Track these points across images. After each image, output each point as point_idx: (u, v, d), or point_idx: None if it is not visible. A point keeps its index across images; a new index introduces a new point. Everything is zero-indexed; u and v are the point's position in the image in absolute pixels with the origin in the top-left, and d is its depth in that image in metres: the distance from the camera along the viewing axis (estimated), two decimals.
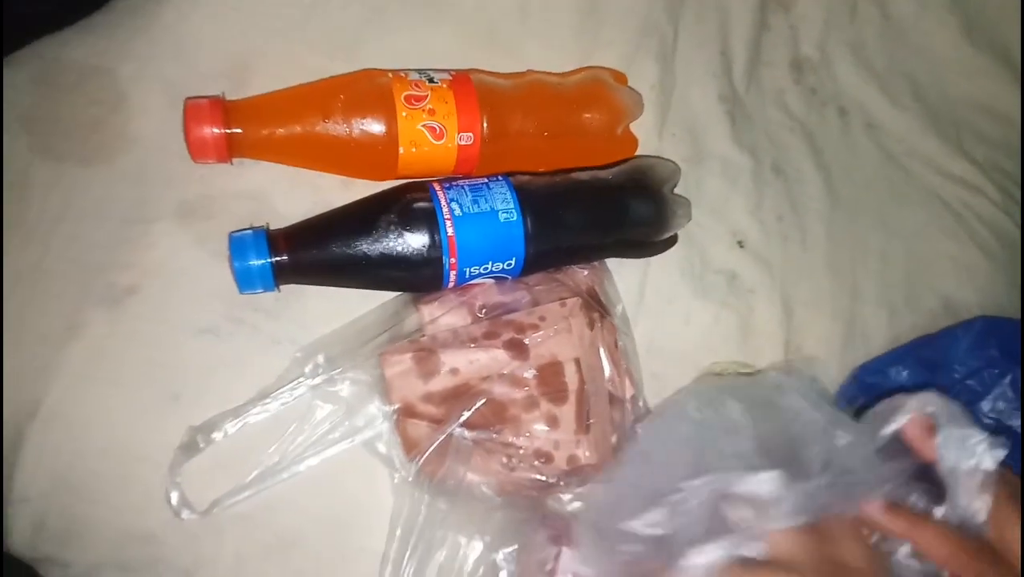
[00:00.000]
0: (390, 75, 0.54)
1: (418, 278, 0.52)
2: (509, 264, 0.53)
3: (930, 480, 0.47)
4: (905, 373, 0.62)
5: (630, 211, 0.56)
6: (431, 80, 0.54)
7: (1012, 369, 0.59)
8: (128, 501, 0.50)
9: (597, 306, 0.55)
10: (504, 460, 0.51)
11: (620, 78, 0.63)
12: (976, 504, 0.45)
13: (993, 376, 0.59)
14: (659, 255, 0.61)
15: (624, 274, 0.60)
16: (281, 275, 0.50)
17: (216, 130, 0.50)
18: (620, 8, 0.66)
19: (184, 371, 0.52)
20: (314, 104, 0.52)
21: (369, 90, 0.53)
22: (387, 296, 0.55)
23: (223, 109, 0.51)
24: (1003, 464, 0.46)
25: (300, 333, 0.53)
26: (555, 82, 0.59)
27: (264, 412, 0.52)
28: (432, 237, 0.50)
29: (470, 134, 0.54)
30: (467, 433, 0.50)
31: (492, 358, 0.51)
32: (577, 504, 0.53)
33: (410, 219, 0.50)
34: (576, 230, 0.54)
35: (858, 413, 0.59)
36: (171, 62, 0.56)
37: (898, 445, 0.48)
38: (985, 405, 0.59)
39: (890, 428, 0.48)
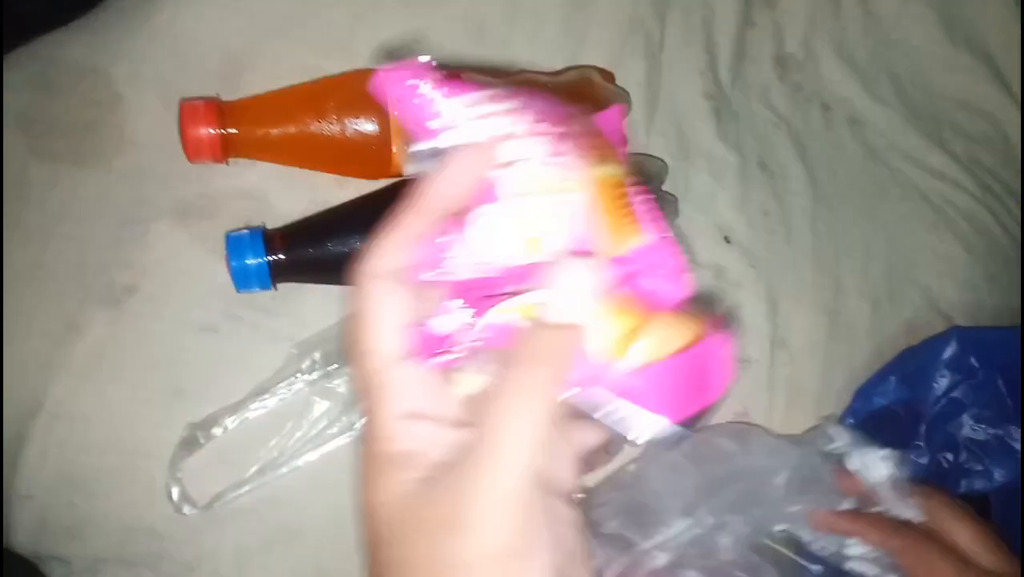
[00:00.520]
0: None
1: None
2: None
3: None
4: (889, 394, 0.63)
5: None
6: None
7: (991, 377, 0.60)
8: (130, 497, 0.51)
9: None
10: None
11: (608, 76, 0.64)
12: (907, 508, 0.51)
13: (975, 386, 0.60)
14: None
15: None
16: (278, 274, 0.50)
17: (212, 131, 0.51)
18: (607, 6, 0.67)
19: (184, 368, 0.52)
20: (308, 104, 0.53)
21: (362, 89, 0.53)
22: None
23: (218, 110, 0.52)
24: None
25: (298, 330, 0.54)
26: (544, 81, 0.60)
27: (262, 408, 0.53)
28: None
29: None
30: None
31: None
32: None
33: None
34: None
35: None
36: (166, 62, 0.57)
37: None
38: (970, 415, 0.60)
39: None
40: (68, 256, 0.52)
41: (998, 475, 0.59)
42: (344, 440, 0.53)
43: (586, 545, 0.31)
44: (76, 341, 0.51)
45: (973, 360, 0.61)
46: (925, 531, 0.51)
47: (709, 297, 0.59)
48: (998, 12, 0.81)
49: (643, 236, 0.30)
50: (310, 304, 0.55)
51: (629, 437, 0.28)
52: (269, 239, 0.50)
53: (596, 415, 0.28)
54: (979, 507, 0.54)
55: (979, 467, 0.59)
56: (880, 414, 0.63)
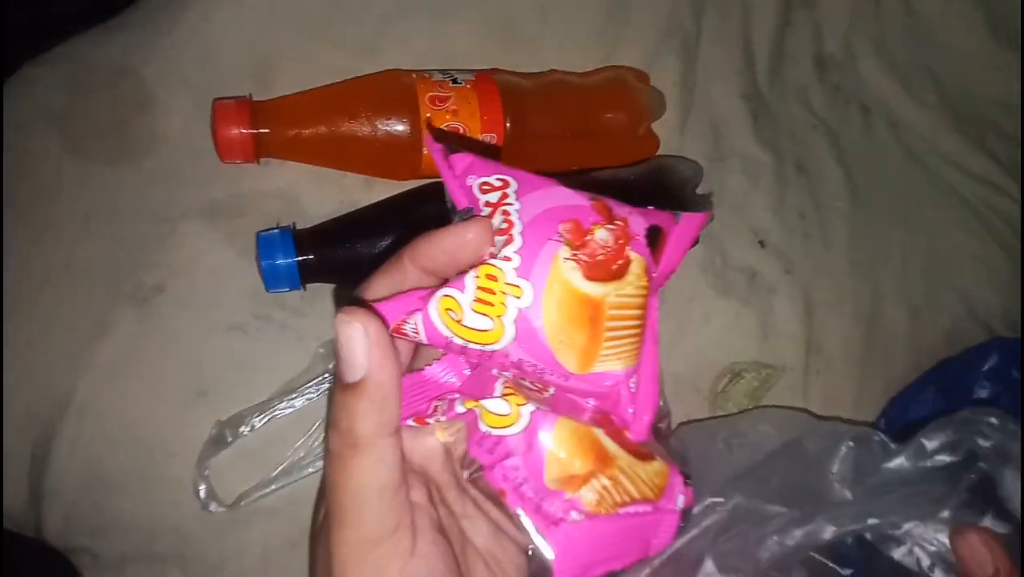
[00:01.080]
0: (414, 76, 0.54)
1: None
2: None
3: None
4: (927, 404, 0.62)
5: None
6: (455, 81, 0.54)
7: None
8: (155, 495, 0.51)
9: None
10: None
11: (642, 77, 0.63)
12: None
13: (1015, 398, 0.58)
14: None
15: None
16: (307, 274, 0.50)
17: (244, 130, 0.51)
18: (643, 6, 0.66)
19: (212, 367, 0.52)
20: (340, 105, 0.53)
21: (394, 91, 0.53)
22: None
23: (251, 110, 0.51)
24: None
25: (326, 330, 0.54)
26: (577, 82, 0.59)
27: (289, 407, 0.53)
28: None
29: (493, 135, 0.54)
30: None
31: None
32: None
33: (435, 220, 0.50)
34: None
35: None
36: (195, 62, 0.57)
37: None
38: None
39: None
40: (98, 255, 0.53)
41: None
42: None
43: (515, 555, 0.32)
44: (104, 340, 0.51)
45: (1014, 371, 0.59)
46: None
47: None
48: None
49: (613, 363, 0.30)
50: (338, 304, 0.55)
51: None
52: (299, 239, 0.50)
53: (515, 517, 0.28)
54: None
55: None
56: (916, 425, 0.62)
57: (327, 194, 0.56)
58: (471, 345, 0.28)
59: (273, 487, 0.52)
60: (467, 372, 0.32)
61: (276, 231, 0.51)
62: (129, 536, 0.51)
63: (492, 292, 0.28)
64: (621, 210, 0.31)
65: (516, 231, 0.29)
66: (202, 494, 0.50)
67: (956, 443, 0.49)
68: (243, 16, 0.58)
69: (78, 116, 0.55)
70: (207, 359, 0.52)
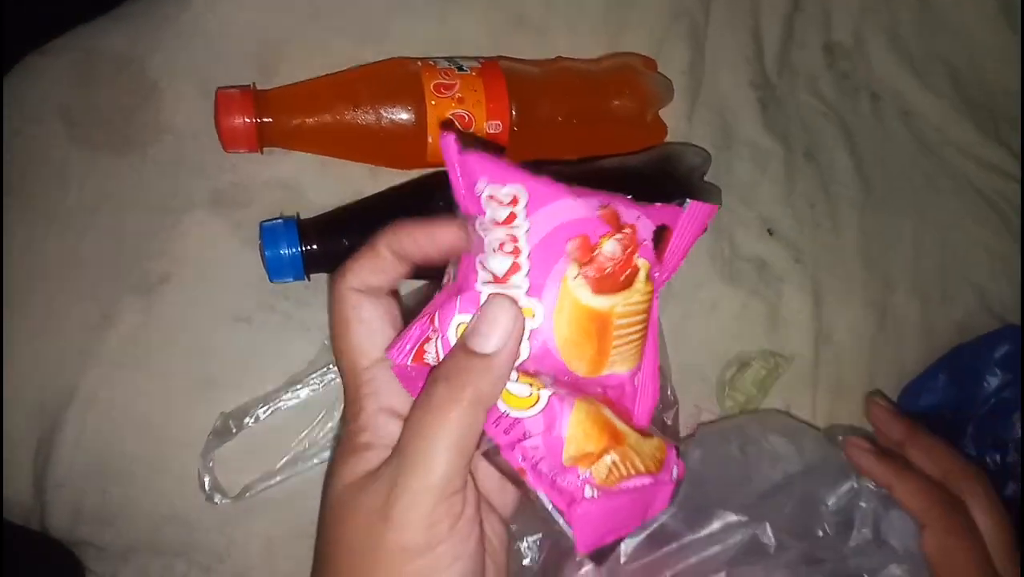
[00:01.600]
0: (419, 63, 0.54)
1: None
2: None
3: None
4: (937, 392, 0.61)
5: (659, 199, 0.56)
6: (460, 68, 0.54)
7: None
8: (161, 486, 0.51)
9: None
10: None
11: (650, 64, 0.62)
12: None
13: None
14: None
15: None
16: (312, 264, 0.50)
17: (247, 120, 0.51)
18: None
19: (217, 358, 0.52)
20: (344, 93, 0.52)
21: (398, 79, 0.53)
22: (416, 284, 0.55)
23: (254, 99, 0.51)
24: None
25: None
26: (584, 69, 0.59)
27: (294, 398, 0.52)
28: None
29: (498, 122, 0.53)
30: None
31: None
32: None
33: (440, 209, 0.50)
34: None
35: None
36: (202, 51, 0.56)
37: None
38: (1021, 416, 0.58)
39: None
40: (103, 245, 0.52)
41: None
42: None
43: (504, 559, 0.34)
44: (110, 330, 0.51)
45: None
46: (960, 516, 0.48)
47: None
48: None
49: (618, 366, 0.32)
50: None
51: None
52: (303, 229, 0.50)
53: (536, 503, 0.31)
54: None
55: None
56: (927, 412, 0.61)
57: (331, 184, 0.56)
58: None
59: (278, 478, 0.51)
60: None
61: (280, 221, 0.50)
62: (135, 527, 0.51)
63: None
64: (629, 215, 0.32)
65: (523, 257, 0.30)
66: (206, 486, 0.50)
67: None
68: (248, 5, 0.58)
69: (83, 106, 0.55)
70: (212, 349, 0.52)
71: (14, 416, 0.50)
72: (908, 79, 0.74)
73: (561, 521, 0.30)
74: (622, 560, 0.47)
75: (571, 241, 0.30)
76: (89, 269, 0.52)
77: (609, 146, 0.57)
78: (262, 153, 0.54)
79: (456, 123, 0.53)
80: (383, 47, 0.57)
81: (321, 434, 0.52)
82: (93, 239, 0.53)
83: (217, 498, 0.50)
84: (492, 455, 0.31)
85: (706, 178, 0.59)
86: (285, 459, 0.52)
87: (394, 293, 0.35)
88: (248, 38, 0.57)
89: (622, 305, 0.31)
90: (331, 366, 0.53)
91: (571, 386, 0.31)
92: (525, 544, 0.51)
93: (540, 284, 0.30)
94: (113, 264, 0.52)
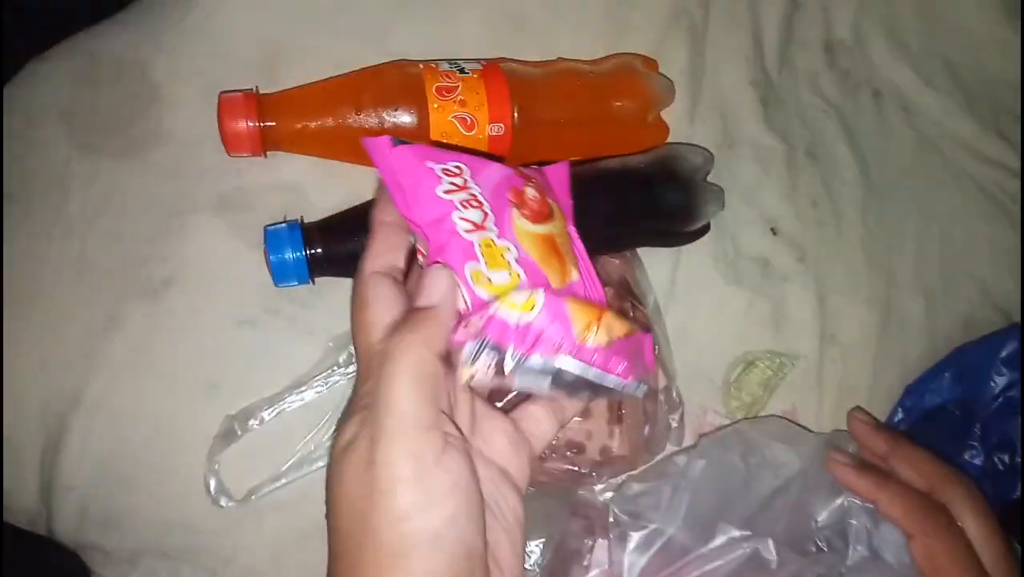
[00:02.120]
0: (421, 66, 0.54)
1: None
2: None
3: None
4: (942, 392, 0.61)
5: (661, 200, 0.56)
6: (462, 71, 0.54)
7: None
8: (168, 490, 0.51)
9: (629, 296, 0.55)
10: None
11: (651, 65, 0.62)
12: None
13: None
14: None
15: (656, 261, 0.60)
16: (316, 268, 0.50)
17: (250, 124, 0.51)
18: None
19: (221, 362, 0.52)
20: (346, 97, 0.52)
21: (400, 82, 0.53)
22: None
23: (257, 103, 0.51)
24: None
25: (335, 324, 0.53)
26: (585, 70, 0.59)
27: (299, 401, 0.53)
28: None
29: (501, 124, 0.54)
30: None
31: None
32: (609, 494, 0.54)
33: None
34: (607, 220, 0.54)
35: None
36: (204, 55, 0.57)
37: None
38: None
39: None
40: (108, 249, 0.53)
41: None
42: None
43: (520, 536, 0.36)
44: (115, 334, 0.51)
45: None
46: (945, 522, 0.48)
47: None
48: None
49: (573, 274, 0.40)
50: (346, 297, 0.53)
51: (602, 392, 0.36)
52: (307, 233, 0.50)
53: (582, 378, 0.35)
54: None
55: None
56: (933, 412, 0.61)
57: (335, 187, 0.56)
58: (502, 301, 0.34)
59: (283, 481, 0.52)
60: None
61: (284, 225, 0.50)
62: (141, 531, 0.51)
63: (494, 254, 0.37)
64: (530, 171, 0.42)
65: (487, 208, 0.38)
66: (212, 488, 0.50)
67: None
68: (251, 9, 0.58)
69: (86, 110, 0.55)
70: (217, 353, 0.52)
71: (20, 421, 0.51)
72: (908, 75, 0.74)
73: (597, 375, 0.35)
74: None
75: (508, 192, 0.39)
76: (93, 274, 0.52)
77: (611, 147, 0.58)
78: (265, 157, 0.54)
79: (459, 126, 0.53)
80: (385, 50, 0.57)
81: (326, 436, 0.53)
82: (96, 244, 0.53)
83: (223, 501, 0.50)
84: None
85: (709, 178, 0.59)
86: (291, 462, 0.52)
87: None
88: (251, 42, 0.57)
89: (553, 229, 0.40)
90: (336, 368, 0.53)
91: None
92: (531, 546, 0.51)
93: (503, 227, 0.38)
94: (117, 269, 0.53)
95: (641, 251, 0.59)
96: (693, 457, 0.52)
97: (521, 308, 0.35)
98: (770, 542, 0.48)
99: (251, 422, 0.52)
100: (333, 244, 0.50)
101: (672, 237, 0.59)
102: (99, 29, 0.57)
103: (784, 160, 0.67)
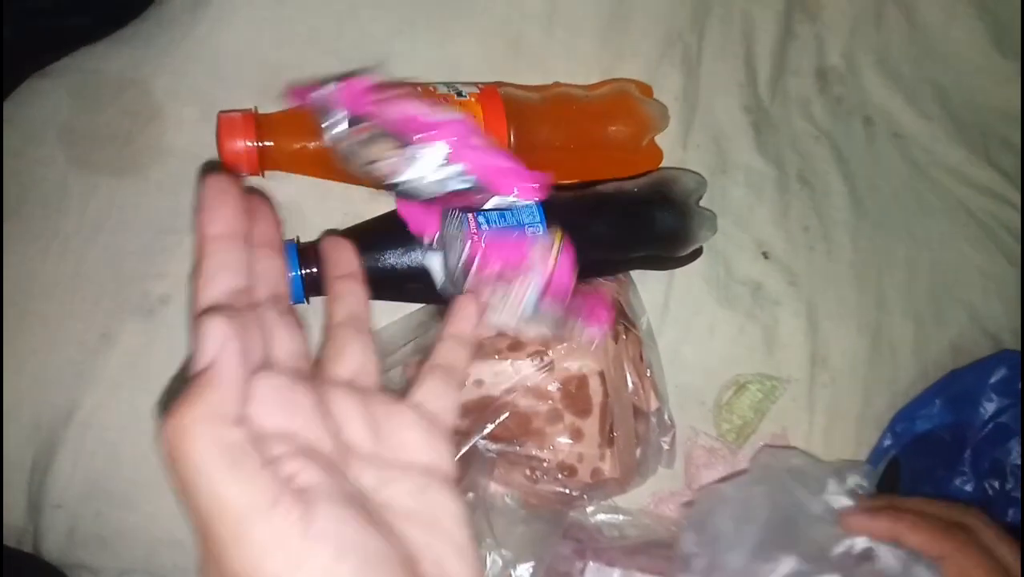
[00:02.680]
0: (419, 89, 0.54)
1: (445, 291, 0.52)
2: None
3: None
4: (933, 417, 0.61)
5: (655, 224, 0.56)
6: (459, 94, 0.54)
7: None
8: (159, 508, 0.51)
9: (622, 319, 0.55)
10: (527, 473, 0.51)
11: (645, 90, 0.63)
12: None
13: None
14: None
15: (649, 284, 0.60)
16: (311, 287, 0.50)
17: (248, 143, 0.51)
18: (644, 18, 0.66)
19: None
20: None
21: None
22: (413, 307, 0.56)
23: (255, 123, 0.52)
24: None
25: None
26: (581, 95, 0.60)
27: None
28: (459, 251, 0.50)
29: None
30: (491, 445, 0.51)
31: (517, 371, 0.51)
32: (601, 517, 0.54)
33: (437, 233, 0.51)
34: (602, 243, 0.54)
35: (890, 465, 0.60)
36: (205, 75, 0.57)
37: None
38: (1019, 441, 0.58)
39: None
40: (104, 266, 0.53)
41: None
42: None
43: (450, 505, 0.30)
44: (110, 351, 0.51)
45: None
46: (971, 539, 0.48)
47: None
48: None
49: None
50: None
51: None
52: (303, 252, 0.50)
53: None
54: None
55: None
56: (923, 438, 0.61)
57: (331, 207, 0.56)
58: None
59: None
60: None
61: None
62: (131, 550, 0.51)
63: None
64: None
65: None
66: None
67: None
68: (252, 29, 0.59)
69: (85, 127, 0.55)
70: None
71: (10, 436, 0.50)
72: (899, 102, 0.75)
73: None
74: None
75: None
76: (89, 290, 0.52)
77: (606, 171, 0.58)
78: (263, 177, 0.54)
79: None
80: (385, 73, 0.57)
81: None
82: (93, 260, 0.53)
83: None
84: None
85: (701, 203, 0.60)
86: None
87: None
88: (251, 62, 0.58)
89: None
90: None
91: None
92: (521, 569, 0.51)
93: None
94: (113, 285, 0.53)
95: (634, 274, 0.59)
96: (749, 485, 0.53)
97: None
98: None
99: None
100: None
101: (665, 261, 0.59)
102: (101, 47, 0.58)
103: (776, 185, 0.68)
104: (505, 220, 0.51)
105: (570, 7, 0.64)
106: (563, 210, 0.53)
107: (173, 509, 0.50)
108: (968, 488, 0.58)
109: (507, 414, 0.50)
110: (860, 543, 0.50)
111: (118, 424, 0.51)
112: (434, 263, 0.50)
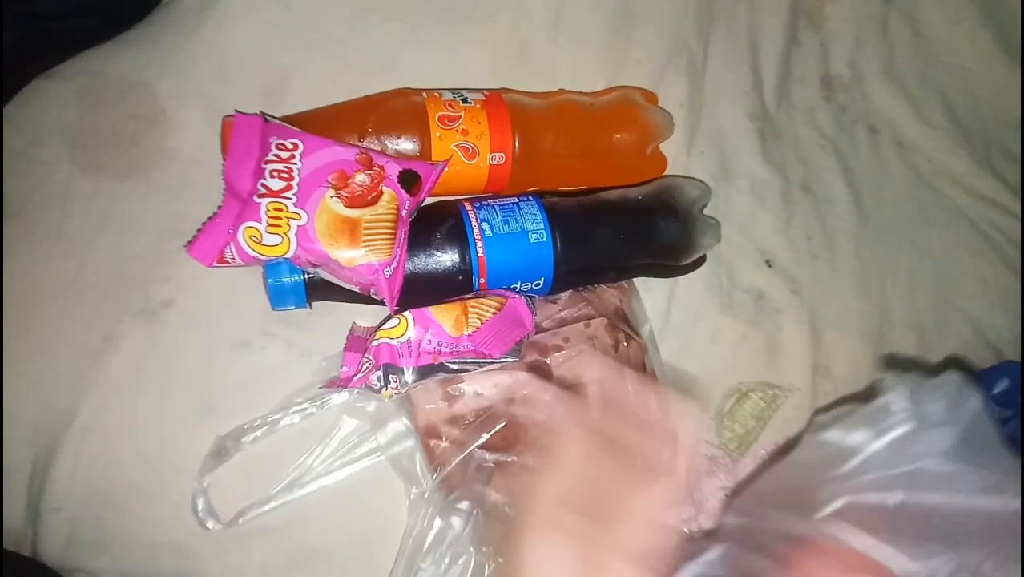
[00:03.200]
0: (424, 95, 0.54)
1: (447, 296, 0.52)
2: (538, 284, 0.53)
3: None
4: None
5: (659, 231, 0.56)
6: (465, 100, 0.54)
7: None
8: (159, 511, 0.51)
9: (624, 326, 0.55)
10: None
11: (650, 98, 0.63)
12: None
13: None
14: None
15: (652, 291, 0.60)
16: (313, 292, 0.50)
17: None
18: (650, 26, 0.66)
19: (218, 383, 0.52)
20: (349, 123, 0.53)
21: (404, 110, 0.53)
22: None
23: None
24: None
25: (331, 347, 0.54)
26: (586, 102, 0.59)
27: (290, 422, 0.52)
28: (462, 257, 0.51)
29: (502, 154, 0.54)
30: (487, 455, 0.50)
31: (515, 380, 0.51)
32: None
33: (441, 239, 0.51)
34: (605, 250, 0.54)
35: None
36: (210, 78, 0.57)
37: None
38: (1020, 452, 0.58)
39: None
40: (107, 268, 0.53)
41: None
42: (372, 460, 0.53)
43: None
44: (112, 354, 0.51)
45: None
46: None
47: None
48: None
49: (374, 257, 0.48)
50: (343, 321, 0.55)
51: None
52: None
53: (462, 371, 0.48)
54: None
55: None
56: None
57: None
58: (268, 258, 0.46)
59: (272, 504, 0.51)
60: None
61: None
62: (131, 553, 0.50)
63: (279, 218, 0.46)
64: (380, 160, 0.49)
65: (295, 182, 0.47)
66: (199, 509, 0.50)
67: None
68: (258, 33, 0.58)
69: (89, 129, 0.55)
70: (213, 375, 0.52)
71: (11, 438, 0.50)
72: (903, 110, 0.75)
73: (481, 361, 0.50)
74: None
75: (331, 174, 0.48)
76: (91, 292, 0.52)
77: (610, 178, 0.58)
78: None
79: (461, 155, 0.53)
80: (390, 77, 0.58)
81: (316, 461, 0.52)
82: (96, 262, 0.53)
83: (210, 523, 0.50)
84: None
85: (706, 211, 0.60)
86: (280, 486, 0.52)
87: None
88: (258, 66, 0.58)
89: (369, 215, 0.47)
90: (319, 387, 0.53)
91: (333, 269, 0.48)
92: None
93: (305, 199, 0.47)
94: (116, 288, 0.52)
95: (638, 281, 0.59)
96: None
97: (396, 333, 0.48)
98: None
99: (243, 438, 0.51)
100: None
101: (669, 268, 0.59)
102: (106, 49, 0.58)
103: (780, 194, 0.68)
104: (508, 225, 0.51)
105: (576, 15, 0.64)
106: (567, 217, 0.53)
107: (172, 514, 0.50)
108: None
109: (503, 425, 0.50)
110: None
111: (119, 427, 0.50)
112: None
